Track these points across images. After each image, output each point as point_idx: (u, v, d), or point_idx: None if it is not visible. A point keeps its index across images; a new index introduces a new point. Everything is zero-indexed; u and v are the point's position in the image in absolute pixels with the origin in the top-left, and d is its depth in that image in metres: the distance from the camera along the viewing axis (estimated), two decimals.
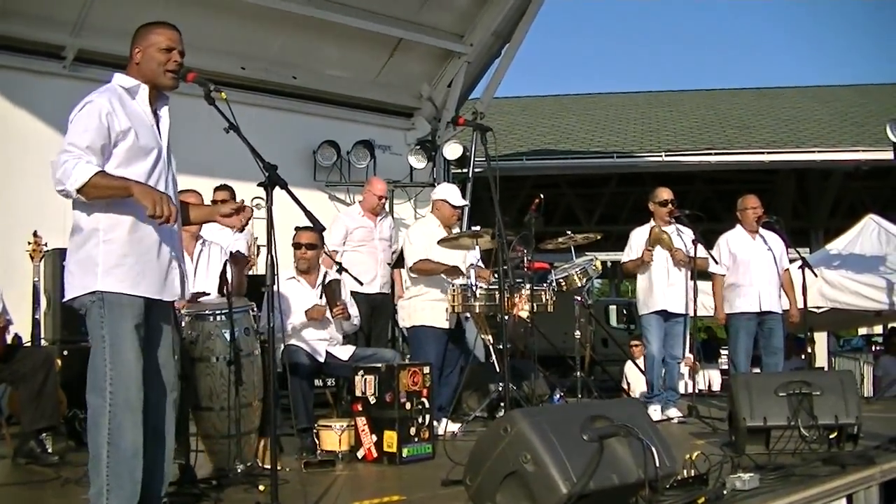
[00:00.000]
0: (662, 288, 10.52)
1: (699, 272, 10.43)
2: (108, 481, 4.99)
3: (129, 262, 5.04)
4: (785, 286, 10.86)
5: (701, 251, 10.41)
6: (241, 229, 5.69)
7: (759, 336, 10.71)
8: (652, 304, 10.58)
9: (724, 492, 5.81)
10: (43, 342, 8.91)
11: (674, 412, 10.38)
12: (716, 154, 19.15)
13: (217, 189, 9.71)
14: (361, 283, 9.83)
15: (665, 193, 10.75)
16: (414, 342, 9.68)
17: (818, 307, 13.92)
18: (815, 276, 11.63)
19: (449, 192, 9.88)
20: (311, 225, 5.27)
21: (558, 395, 10.50)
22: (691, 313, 10.56)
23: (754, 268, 10.65)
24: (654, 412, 9.87)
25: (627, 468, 5.05)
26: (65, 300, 5.25)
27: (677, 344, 10.65)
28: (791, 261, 11.01)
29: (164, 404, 5.37)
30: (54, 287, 9.38)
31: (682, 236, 10.53)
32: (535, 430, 4.86)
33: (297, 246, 8.73)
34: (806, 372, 10.36)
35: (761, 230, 10.85)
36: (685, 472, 5.91)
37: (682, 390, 11.37)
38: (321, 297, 8.72)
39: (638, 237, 10.77)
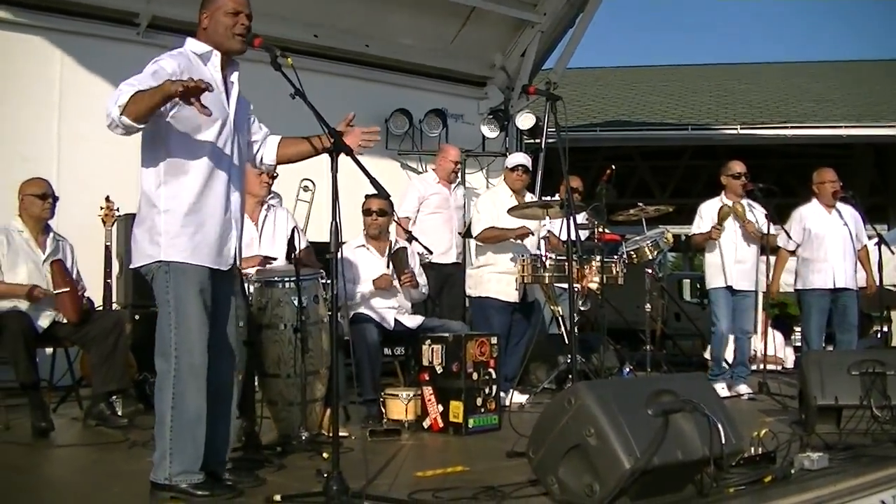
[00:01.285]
0: (730, 263, 10.42)
1: (770, 247, 10.33)
2: (171, 444, 5.06)
3: (188, 231, 5.09)
4: (862, 262, 10.71)
5: (774, 228, 10.30)
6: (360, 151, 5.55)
7: (833, 313, 10.58)
8: (720, 279, 10.50)
9: (792, 471, 5.75)
10: (115, 306, 8.99)
11: (743, 388, 10.30)
12: (792, 128, 18.88)
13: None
14: (431, 252, 9.83)
15: (738, 166, 10.63)
16: (479, 313, 9.67)
17: (894, 285, 13.73)
18: (893, 252, 11.42)
19: (521, 158, 9.83)
20: (376, 190, 5.24)
21: (627, 369, 10.45)
22: (762, 289, 10.46)
23: (829, 243, 10.49)
24: (722, 389, 9.80)
25: (692, 444, 4.99)
26: (131, 267, 5.30)
27: (747, 319, 10.54)
28: (868, 237, 10.85)
29: (228, 370, 5.40)
30: (126, 252, 9.46)
31: (754, 211, 10.42)
32: (599, 404, 4.82)
33: (367, 212, 8.72)
34: (880, 351, 10.22)
35: (838, 205, 10.69)
36: (752, 449, 5.85)
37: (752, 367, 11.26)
38: (387, 265, 8.70)
39: (707, 210, 10.65)
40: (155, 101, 4.80)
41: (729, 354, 10.73)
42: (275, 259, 7.69)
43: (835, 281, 10.46)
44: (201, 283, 5.14)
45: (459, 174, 11.54)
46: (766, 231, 10.23)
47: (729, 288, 10.45)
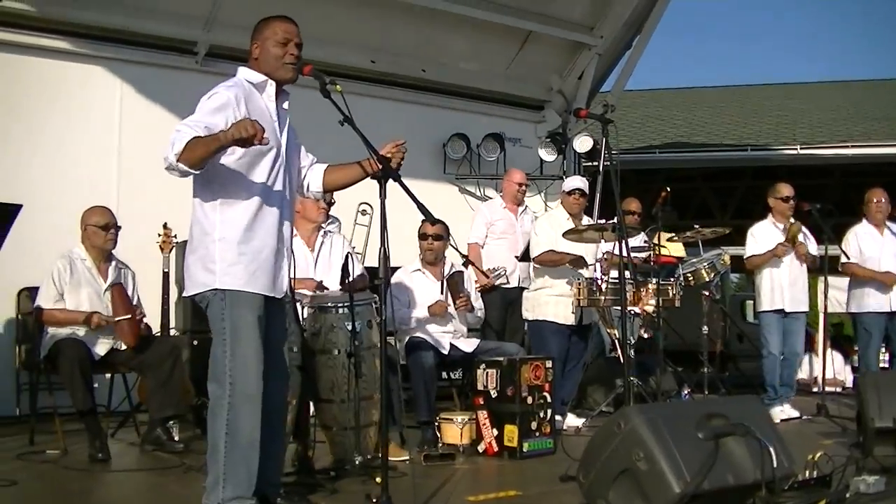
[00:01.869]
0: (784, 286, 10.36)
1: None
2: (224, 470, 5.09)
3: (245, 260, 5.14)
4: None
5: (834, 250, 10.27)
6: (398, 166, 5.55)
7: (891, 333, 10.50)
8: (771, 302, 10.44)
9: (847, 494, 5.71)
10: (172, 332, 9.07)
11: (788, 409, 10.22)
12: (852, 147, 18.73)
13: None
14: (488, 277, 9.85)
15: (785, 189, 10.58)
16: (535, 336, 9.69)
17: None
18: None
19: (578, 182, 9.85)
20: (424, 216, 5.26)
21: (685, 392, 10.40)
22: (821, 310, 10.43)
23: (883, 264, 10.44)
24: (781, 412, 9.75)
25: (744, 468, 4.96)
26: (185, 295, 5.35)
27: (798, 341, 10.52)
28: None
29: (281, 395, 5.44)
30: (183, 278, 9.55)
31: (805, 236, 10.41)
32: (648, 427, 4.81)
33: (423, 237, 8.74)
34: None
35: (889, 224, 10.63)
36: (807, 472, 5.80)
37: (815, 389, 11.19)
38: (441, 290, 8.72)
39: (760, 231, 10.61)
40: (210, 151, 4.88)
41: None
42: (327, 288, 7.75)
43: (891, 304, 10.39)
44: (257, 309, 5.18)
45: (526, 199, 11.52)
46: (822, 253, 10.19)
47: (780, 311, 10.38)
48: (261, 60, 5.32)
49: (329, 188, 5.88)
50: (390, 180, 5.21)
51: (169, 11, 11.37)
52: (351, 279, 7.11)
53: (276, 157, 5.31)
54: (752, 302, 22.19)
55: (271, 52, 5.28)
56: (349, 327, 6.99)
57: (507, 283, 10.38)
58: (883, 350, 13.25)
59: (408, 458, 7.46)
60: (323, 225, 8.07)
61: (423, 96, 13.79)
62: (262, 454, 5.21)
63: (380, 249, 5.07)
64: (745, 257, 10.76)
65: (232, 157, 5.11)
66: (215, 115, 5.02)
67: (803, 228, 10.45)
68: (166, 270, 8.89)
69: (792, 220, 10.43)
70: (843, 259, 10.55)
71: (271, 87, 5.35)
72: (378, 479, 6.16)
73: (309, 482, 6.31)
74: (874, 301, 10.42)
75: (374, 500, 4.99)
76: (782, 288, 10.36)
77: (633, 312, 9.54)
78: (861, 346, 10.72)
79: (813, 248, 10.35)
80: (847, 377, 15.11)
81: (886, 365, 12.70)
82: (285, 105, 5.48)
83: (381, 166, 5.21)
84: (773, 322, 10.41)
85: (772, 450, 5.00)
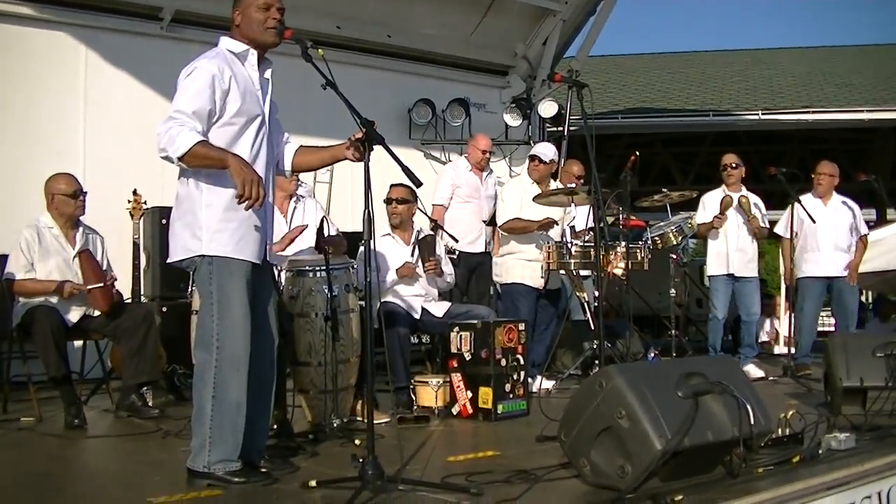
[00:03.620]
0: (732, 251, 10.71)
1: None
2: (211, 433, 5.13)
3: (231, 226, 5.17)
4: (857, 251, 10.91)
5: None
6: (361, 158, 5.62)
7: (831, 300, 11.03)
8: (720, 267, 10.79)
9: (820, 451, 5.80)
10: (143, 298, 9.06)
11: (752, 369, 10.40)
12: (813, 112, 18.84)
13: None
14: (456, 241, 9.87)
15: (726, 158, 11.04)
16: (507, 299, 9.76)
17: None
18: None
19: (540, 149, 9.92)
20: (409, 181, 5.29)
21: (652, 354, 10.48)
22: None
23: (821, 234, 10.78)
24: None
25: (722, 425, 5.04)
26: (170, 261, 5.36)
27: (752, 302, 10.87)
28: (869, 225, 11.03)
29: (267, 361, 5.47)
30: (153, 245, 9.56)
31: (759, 206, 10.64)
32: (630, 386, 4.87)
33: (387, 201, 8.73)
34: None
35: (836, 196, 10.97)
36: (780, 431, 5.90)
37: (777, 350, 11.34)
38: (412, 254, 8.77)
39: (710, 200, 10.91)
40: (214, 164, 5.02)
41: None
42: (306, 226, 7.84)
43: (826, 270, 10.75)
44: (245, 275, 5.21)
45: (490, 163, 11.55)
46: (764, 224, 10.50)
47: (730, 276, 10.70)
48: (243, 26, 5.32)
49: (297, 169, 5.91)
50: (376, 145, 5.22)
51: None
52: (326, 238, 7.15)
53: (261, 126, 5.34)
54: None
55: (254, 17, 5.29)
56: (326, 291, 7.04)
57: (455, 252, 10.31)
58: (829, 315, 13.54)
59: (388, 420, 7.53)
60: (296, 192, 8.11)
61: (388, 62, 13.82)
62: (250, 423, 5.25)
63: (364, 212, 5.09)
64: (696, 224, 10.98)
65: (218, 128, 5.13)
66: (201, 98, 5.06)
67: (754, 199, 10.65)
68: (136, 237, 8.85)
69: (744, 192, 10.65)
70: (783, 227, 10.93)
71: (253, 55, 5.36)
72: (357, 441, 6.28)
73: (290, 445, 6.34)
74: (811, 267, 10.87)
75: (361, 461, 5.01)
76: (728, 253, 10.68)
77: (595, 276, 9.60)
78: (797, 310, 11.04)
79: (761, 212, 10.67)
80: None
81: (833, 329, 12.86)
82: (267, 74, 5.49)
83: (364, 131, 5.22)
84: (721, 286, 10.81)
85: (749, 407, 5.08)
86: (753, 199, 10.81)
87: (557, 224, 9.55)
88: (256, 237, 5.29)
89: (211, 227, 5.15)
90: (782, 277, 10.96)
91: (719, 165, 10.94)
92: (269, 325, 5.52)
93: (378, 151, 5.24)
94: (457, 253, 10.00)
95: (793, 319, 10.82)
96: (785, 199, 10.76)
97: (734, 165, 10.87)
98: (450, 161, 12.89)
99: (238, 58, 5.31)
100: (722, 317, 10.82)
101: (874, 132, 21.38)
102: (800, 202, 10.43)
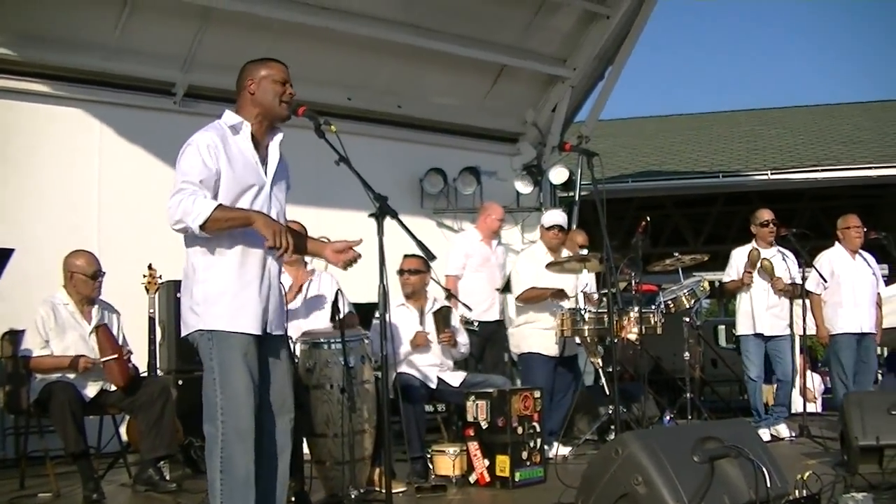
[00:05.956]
0: (762, 310, 10.52)
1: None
2: None
3: (225, 300, 5.15)
4: (878, 306, 10.82)
5: (810, 273, 10.38)
6: (345, 268, 5.75)
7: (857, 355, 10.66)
8: (749, 326, 10.62)
9: None
10: (159, 372, 9.09)
11: (783, 429, 10.33)
12: (822, 171, 18.88)
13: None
14: (470, 310, 9.90)
15: (766, 214, 10.75)
16: (524, 368, 9.81)
17: None
18: None
19: (545, 217, 10.00)
20: (422, 254, 5.34)
21: (668, 417, 10.47)
22: (799, 332, 10.52)
23: (855, 288, 10.61)
24: (764, 434, 9.82)
25: (738, 489, 5.05)
26: (182, 336, 5.39)
27: (785, 362, 10.57)
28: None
29: (278, 433, 5.47)
30: (169, 318, 9.58)
31: (787, 259, 10.50)
32: (646, 452, 4.89)
33: (400, 272, 8.78)
34: None
35: (861, 251, 10.81)
36: (797, 492, 5.90)
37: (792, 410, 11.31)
38: (421, 324, 8.81)
39: (738, 257, 10.79)
40: (237, 225, 5.08)
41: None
42: (313, 270, 8.01)
43: (862, 326, 10.54)
44: (244, 348, 5.20)
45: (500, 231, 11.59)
46: (799, 279, 10.31)
47: (759, 335, 10.53)
48: (258, 96, 5.34)
49: None
50: (387, 218, 5.27)
51: (147, 52, 11.43)
52: (341, 316, 7.18)
53: (258, 194, 5.34)
54: (723, 327, 22.41)
55: (270, 88, 5.33)
56: (342, 362, 7.06)
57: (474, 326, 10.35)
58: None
59: (405, 489, 7.54)
60: (307, 260, 8.17)
61: (399, 132, 13.89)
62: (262, 492, 5.23)
63: (380, 285, 5.15)
64: (723, 282, 10.95)
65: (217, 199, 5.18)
66: (205, 168, 5.09)
67: (782, 250, 10.59)
68: (152, 311, 8.89)
69: (764, 258, 10.56)
70: (814, 282, 10.64)
71: (246, 127, 5.36)
72: None
73: None
74: (846, 323, 10.58)
75: None
76: (760, 312, 10.51)
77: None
78: (834, 366, 10.78)
79: (795, 268, 10.42)
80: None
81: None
82: (274, 142, 5.52)
83: (377, 205, 5.27)
84: (752, 346, 10.59)
85: (765, 470, 5.09)
86: (790, 255, 10.63)
87: (569, 298, 9.60)
88: (255, 309, 5.27)
89: (207, 300, 5.16)
90: (797, 336, 10.81)
91: (737, 223, 10.90)
92: (281, 394, 5.49)
93: (391, 223, 5.29)
94: (476, 324, 10.01)
95: (830, 377, 10.73)
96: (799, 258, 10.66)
97: (765, 223, 10.71)
98: (462, 230, 12.95)
99: (232, 130, 5.35)
100: (756, 376, 10.57)
101: (883, 188, 21.42)
102: (810, 262, 10.39)
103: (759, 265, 10.45)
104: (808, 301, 10.67)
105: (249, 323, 5.23)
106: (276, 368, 5.51)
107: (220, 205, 5.01)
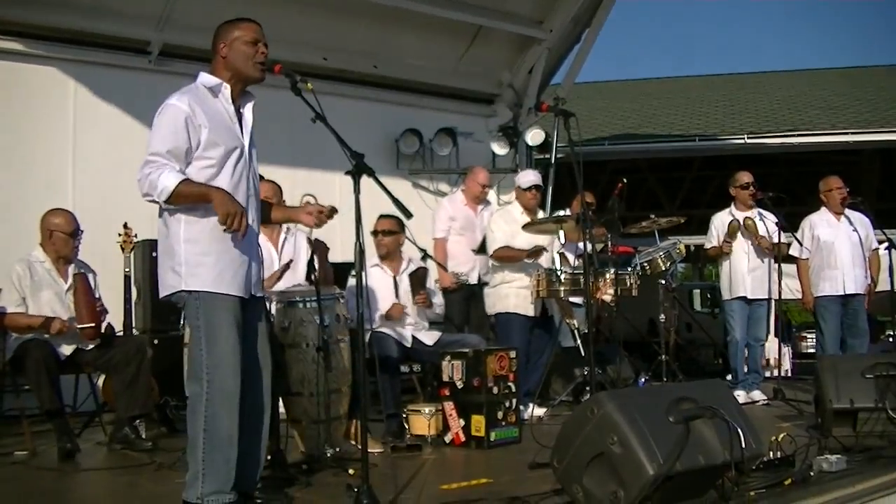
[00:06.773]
0: (744, 274, 10.61)
1: (782, 256, 10.42)
2: (203, 466, 5.12)
3: (209, 260, 5.18)
4: (871, 267, 10.78)
5: (785, 235, 10.38)
6: (318, 225, 5.78)
7: (844, 318, 10.64)
8: (734, 290, 10.68)
9: (811, 473, 5.85)
10: (134, 331, 9.07)
11: (757, 394, 10.43)
12: (798, 136, 18.93)
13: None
14: (447, 271, 9.91)
15: (745, 177, 10.78)
16: (500, 329, 9.77)
17: None
18: None
19: (519, 177, 10.00)
20: (399, 212, 5.34)
21: (643, 380, 10.51)
22: (775, 296, 10.53)
23: (838, 250, 10.58)
24: (739, 396, 9.86)
25: (713, 449, 5.06)
26: (161, 297, 5.38)
27: (761, 327, 10.71)
28: (879, 242, 10.92)
29: (260, 393, 5.48)
30: (144, 278, 9.58)
31: (765, 221, 10.51)
32: (621, 412, 4.90)
33: (374, 233, 8.77)
34: (893, 354, 10.30)
35: (847, 211, 10.78)
36: (771, 453, 5.95)
37: (767, 374, 11.36)
38: (396, 286, 8.83)
39: (719, 222, 10.82)
40: (199, 200, 5.11)
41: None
42: (290, 262, 7.90)
43: (845, 287, 10.55)
44: (231, 307, 5.23)
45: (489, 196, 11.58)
46: (777, 240, 10.30)
47: (743, 298, 10.59)
48: (229, 59, 5.33)
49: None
50: (364, 175, 5.26)
51: (122, 11, 11.35)
52: (317, 274, 7.17)
53: (239, 157, 5.33)
54: (698, 291, 22.50)
55: (241, 50, 5.31)
56: (317, 321, 7.06)
57: (468, 281, 10.45)
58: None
59: (381, 449, 7.56)
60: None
61: (375, 92, 13.86)
62: (242, 452, 5.26)
63: (356, 244, 5.14)
64: (704, 247, 10.99)
65: (196, 163, 5.17)
66: (175, 136, 5.09)
67: (761, 212, 10.61)
68: (127, 270, 8.87)
69: (753, 212, 10.59)
70: (796, 247, 10.69)
71: (226, 89, 5.35)
72: (351, 471, 6.28)
73: (283, 476, 6.36)
74: (829, 285, 10.61)
75: (356, 490, 5.04)
76: (742, 275, 10.60)
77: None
78: (819, 330, 10.84)
79: (774, 230, 10.42)
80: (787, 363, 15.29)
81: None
82: (249, 106, 5.51)
83: (354, 162, 5.26)
84: (737, 309, 10.69)
85: (740, 431, 5.11)
86: (769, 217, 10.66)
87: (546, 251, 9.60)
88: (239, 270, 5.29)
89: (189, 261, 5.16)
90: (772, 300, 10.84)
91: (712, 187, 10.92)
92: (262, 356, 5.53)
93: (367, 183, 5.29)
94: (465, 279, 10.08)
95: (816, 340, 10.77)
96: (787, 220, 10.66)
97: (745, 185, 10.77)
98: (438, 191, 12.94)
99: (211, 92, 5.34)
100: (741, 338, 10.67)
101: (859, 154, 21.51)
102: (787, 226, 10.40)
103: (742, 225, 10.49)
104: (785, 267, 10.70)
105: (235, 285, 5.26)
106: (258, 329, 5.53)
107: (185, 179, 5.05)
